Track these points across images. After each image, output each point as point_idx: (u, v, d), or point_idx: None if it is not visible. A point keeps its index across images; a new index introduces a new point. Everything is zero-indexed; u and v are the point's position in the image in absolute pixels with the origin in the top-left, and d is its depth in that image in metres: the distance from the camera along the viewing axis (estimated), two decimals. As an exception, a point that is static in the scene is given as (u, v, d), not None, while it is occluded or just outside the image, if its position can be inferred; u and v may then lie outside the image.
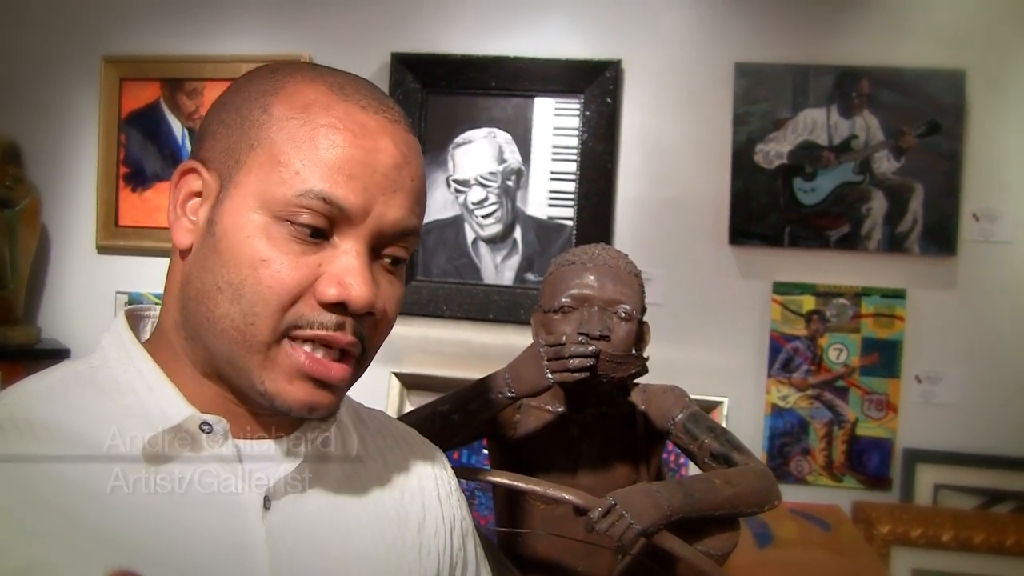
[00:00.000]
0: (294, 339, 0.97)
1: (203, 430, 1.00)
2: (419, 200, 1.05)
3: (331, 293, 0.96)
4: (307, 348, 0.98)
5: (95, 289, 3.46)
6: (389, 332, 1.08)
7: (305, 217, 0.96)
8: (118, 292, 3.40)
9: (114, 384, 1.02)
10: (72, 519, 0.90)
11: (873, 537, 2.88)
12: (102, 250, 3.48)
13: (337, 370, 0.99)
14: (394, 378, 3.19)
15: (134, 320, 1.11)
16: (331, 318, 0.97)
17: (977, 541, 2.87)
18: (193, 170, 1.04)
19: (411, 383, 3.18)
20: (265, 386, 0.98)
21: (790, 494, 2.91)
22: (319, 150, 0.97)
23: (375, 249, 1.01)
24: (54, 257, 3.53)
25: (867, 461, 3.06)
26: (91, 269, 3.49)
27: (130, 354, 1.05)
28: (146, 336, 1.11)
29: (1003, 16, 3.03)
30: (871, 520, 2.92)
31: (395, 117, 1.04)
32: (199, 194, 1.03)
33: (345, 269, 0.97)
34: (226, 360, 0.99)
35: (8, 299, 3.36)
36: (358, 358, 1.02)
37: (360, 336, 1.00)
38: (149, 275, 3.32)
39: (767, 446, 3.07)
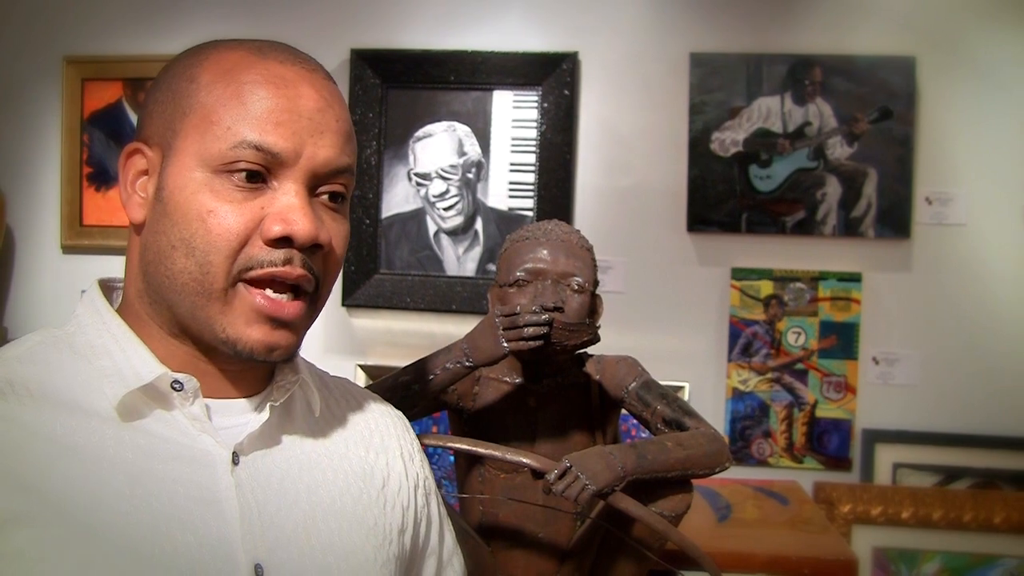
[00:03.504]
0: (249, 282, 1.02)
1: (174, 388, 1.04)
2: (348, 140, 1.10)
3: (276, 230, 1.00)
4: (262, 290, 1.02)
5: (60, 288, 3.46)
6: (340, 269, 1.13)
7: (242, 166, 1.01)
8: (83, 291, 3.37)
9: (89, 348, 1.06)
10: (49, 473, 0.94)
11: (834, 517, 2.92)
12: (67, 250, 3.48)
13: (291, 307, 1.04)
14: (359, 370, 3.22)
15: (107, 291, 1.15)
16: (279, 254, 1.01)
17: (936, 518, 2.92)
18: (137, 151, 1.10)
19: (376, 375, 3.19)
20: (226, 332, 1.02)
21: (752, 476, 2.97)
22: (246, 105, 1.03)
23: (312, 189, 1.06)
24: (19, 257, 3.52)
25: (827, 442, 3.10)
26: (56, 269, 3.49)
27: (104, 319, 1.09)
28: (116, 306, 1.14)
29: (951, 3, 3.09)
30: (832, 500, 2.97)
31: (312, 67, 1.10)
32: (145, 172, 1.08)
33: (286, 207, 1.02)
34: (189, 315, 1.04)
35: (-27, 300, 3.36)
36: (312, 295, 1.07)
37: (311, 270, 1.04)
38: (114, 273, 3.28)
39: (729, 429, 3.11)
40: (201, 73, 1.07)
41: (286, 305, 1.03)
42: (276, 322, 1.03)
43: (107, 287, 1.15)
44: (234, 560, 1.00)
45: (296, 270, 1.02)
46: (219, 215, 1.00)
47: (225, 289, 1.01)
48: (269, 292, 1.03)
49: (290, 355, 1.08)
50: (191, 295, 1.02)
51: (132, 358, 1.05)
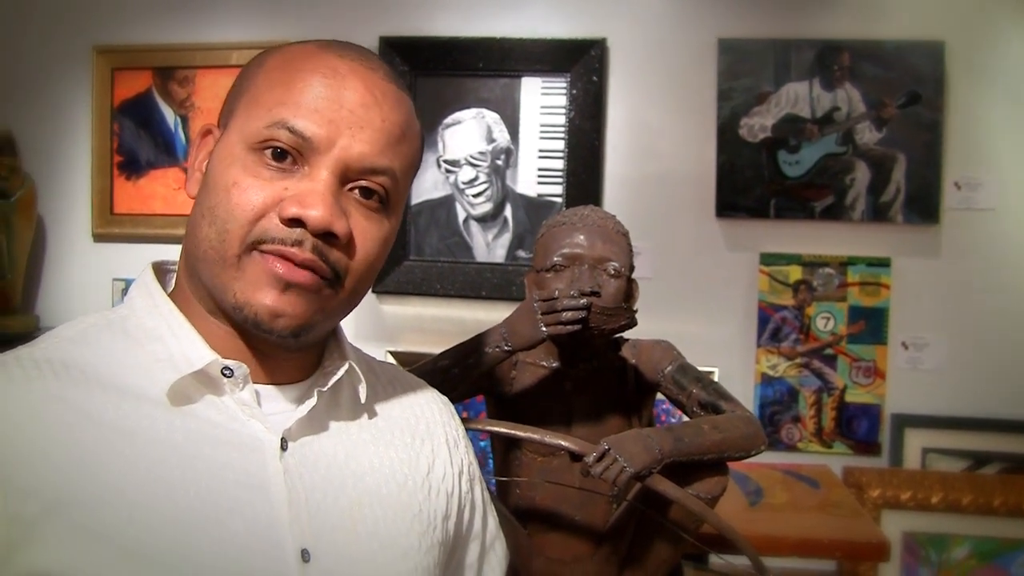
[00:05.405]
0: (262, 253, 1.02)
1: (224, 374, 1.05)
2: (394, 142, 1.09)
3: (291, 211, 1.00)
4: (276, 257, 1.02)
5: (92, 277, 3.50)
6: (372, 269, 1.12)
7: (272, 144, 1.03)
8: (115, 279, 3.44)
9: (142, 331, 1.08)
10: (101, 455, 0.95)
11: (864, 501, 2.92)
12: (98, 238, 3.51)
13: (301, 274, 1.02)
14: (390, 356, 3.22)
15: (160, 274, 1.16)
16: (290, 234, 1.01)
17: (965, 502, 2.91)
18: (209, 131, 1.13)
19: (406, 361, 3.19)
20: (236, 297, 1.03)
21: (781, 461, 2.97)
22: (292, 90, 1.05)
23: (344, 181, 1.06)
24: (51, 246, 3.56)
25: (856, 427, 3.11)
26: (87, 257, 3.53)
27: (156, 303, 1.10)
28: (170, 289, 1.15)
29: (980, -12, 3.08)
30: (861, 485, 2.97)
31: (373, 66, 1.10)
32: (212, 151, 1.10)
33: (307, 191, 1.02)
34: (210, 283, 1.05)
35: (6, 289, 3.39)
36: (331, 282, 1.06)
37: (323, 258, 1.03)
38: (145, 262, 3.32)
39: (758, 414, 3.11)
40: (268, 60, 1.10)
41: (296, 270, 1.02)
42: (285, 285, 1.02)
43: (160, 270, 1.16)
44: (281, 545, 1.01)
45: (304, 253, 1.01)
46: (242, 187, 1.02)
47: (239, 255, 1.02)
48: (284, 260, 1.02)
49: (301, 328, 1.06)
50: (210, 263, 1.03)
51: (183, 343, 1.06)
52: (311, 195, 1.01)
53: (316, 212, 1.00)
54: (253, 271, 1.02)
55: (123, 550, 0.92)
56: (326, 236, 1.03)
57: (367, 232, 1.08)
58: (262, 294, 1.02)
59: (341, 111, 1.04)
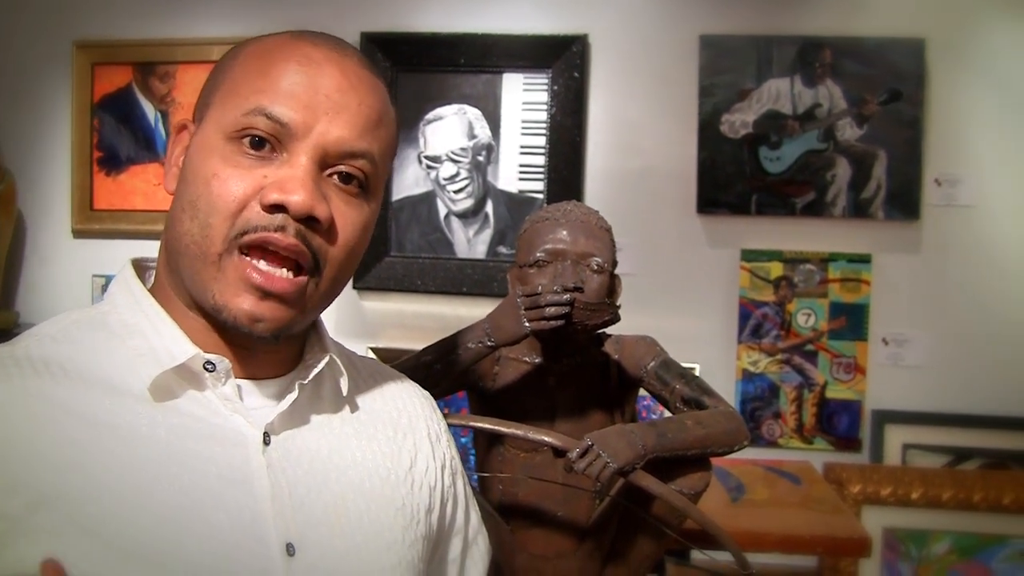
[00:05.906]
0: (244, 249, 1.01)
1: (207, 369, 1.05)
2: (371, 126, 1.09)
3: (272, 197, 1.00)
4: (254, 262, 1.01)
5: (72, 273, 3.49)
6: (353, 255, 1.11)
7: (250, 132, 1.02)
8: (94, 275, 3.43)
9: (123, 327, 1.07)
10: (84, 452, 0.95)
11: (844, 497, 2.92)
12: (78, 234, 3.50)
13: (282, 281, 1.02)
14: (371, 353, 3.21)
15: (140, 270, 1.15)
16: (273, 220, 1.01)
17: (945, 498, 2.92)
18: (184, 127, 1.12)
19: (387, 358, 3.18)
20: (215, 299, 1.02)
21: (762, 457, 2.98)
22: (268, 78, 1.04)
23: (323, 167, 1.06)
24: (30, 242, 3.55)
25: (837, 423, 3.12)
26: (67, 253, 3.51)
27: (137, 299, 1.10)
28: (150, 285, 1.14)
29: (960, -16, 3.09)
30: (842, 481, 2.97)
31: (346, 52, 1.11)
32: (188, 146, 1.10)
33: (286, 177, 1.02)
34: (190, 280, 1.04)
35: (-15, 285, 3.38)
36: (311, 271, 1.05)
37: (307, 243, 1.03)
38: (125, 258, 3.31)
39: (739, 410, 3.10)
40: (242, 51, 1.10)
41: (276, 279, 1.02)
42: (264, 293, 1.02)
43: (140, 267, 1.15)
44: (266, 540, 1.01)
45: (287, 238, 1.01)
46: (222, 178, 1.01)
47: (221, 254, 1.01)
48: (262, 264, 1.02)
49: (280, 330, 1.06)
50: (192, 258, 1.03)
51: (165, 337, 1.06)
52: (291, 180, 1.01)
53: (297, 197, 1.00)
54: (233, 274, 1.01)
55: (109, 545, 0.91)
56: (308, 221, 1.03)
57: (347, 217, 1.08)
58: (240, 299, 1.02)
59: (317, 96, 1.04)
